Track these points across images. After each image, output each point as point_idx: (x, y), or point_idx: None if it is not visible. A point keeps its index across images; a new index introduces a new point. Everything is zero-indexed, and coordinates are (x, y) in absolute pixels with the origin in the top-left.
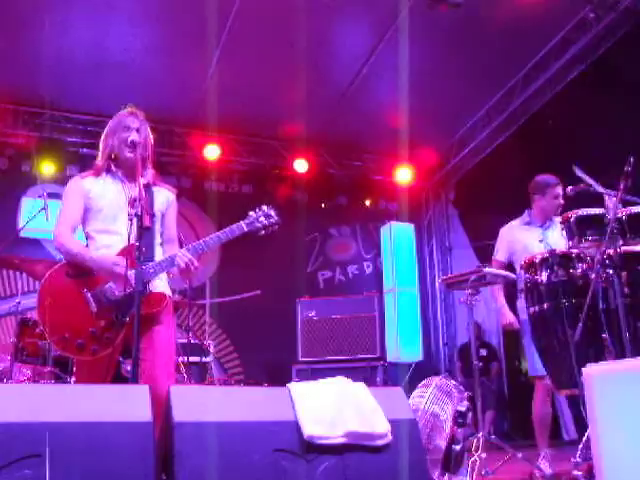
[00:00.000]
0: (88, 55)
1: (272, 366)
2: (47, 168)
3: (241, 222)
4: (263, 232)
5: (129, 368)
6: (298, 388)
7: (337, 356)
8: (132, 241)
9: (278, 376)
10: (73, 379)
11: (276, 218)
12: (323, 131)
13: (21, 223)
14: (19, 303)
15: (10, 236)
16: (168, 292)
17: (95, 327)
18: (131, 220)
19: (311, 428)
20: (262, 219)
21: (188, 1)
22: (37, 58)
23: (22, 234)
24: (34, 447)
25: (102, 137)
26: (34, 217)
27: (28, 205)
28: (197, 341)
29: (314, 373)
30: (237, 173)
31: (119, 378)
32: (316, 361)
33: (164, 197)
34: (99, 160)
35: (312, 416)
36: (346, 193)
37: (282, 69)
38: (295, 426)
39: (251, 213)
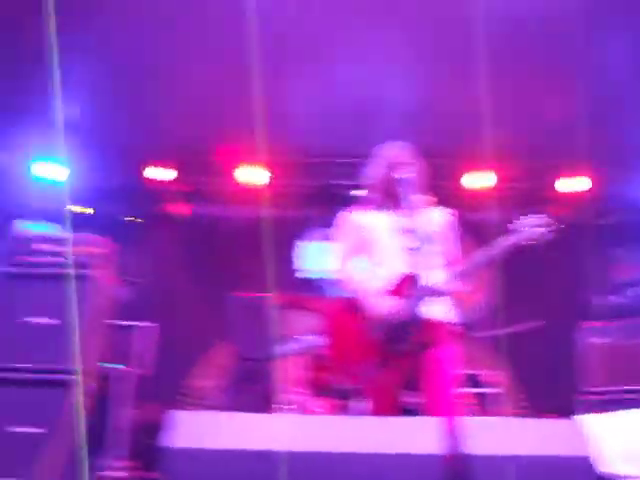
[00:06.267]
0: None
1: (556, 396)
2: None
3: (509, 235)
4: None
5: (408, 399)
6: (594, 421)
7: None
8: (408, 271)
9: (563, 407)
10: (359, 409)
11: (548, 226)
12: None
13: (300, 265)
14: (308, 341)
15: (289, 278)
16: (448, 318)
17: (378, 357)
18: (407, 253)
19: (617, 466)
20: (531, 229)
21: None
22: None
23: (299, 275)
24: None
25: (370, 171)
26: (312, 259)
27: (304, 248)
28: (478, 373)
29: (603, 404)
30: None
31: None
32: (605, 391)
33: (439, 218)
34: (369, 193)
35: (619, 452)
36: None
37: None
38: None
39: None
